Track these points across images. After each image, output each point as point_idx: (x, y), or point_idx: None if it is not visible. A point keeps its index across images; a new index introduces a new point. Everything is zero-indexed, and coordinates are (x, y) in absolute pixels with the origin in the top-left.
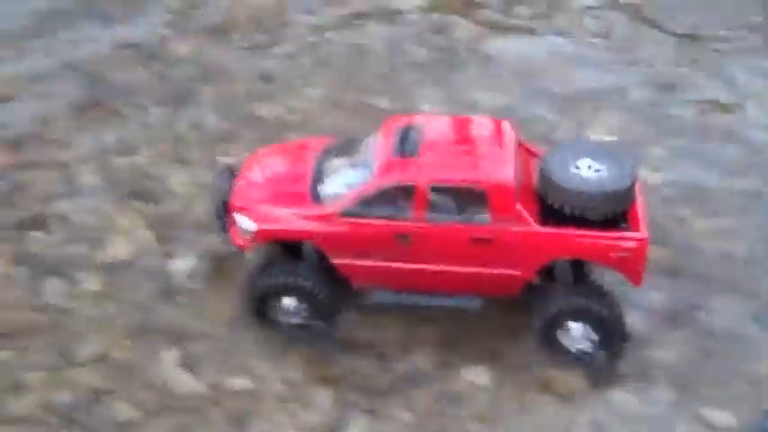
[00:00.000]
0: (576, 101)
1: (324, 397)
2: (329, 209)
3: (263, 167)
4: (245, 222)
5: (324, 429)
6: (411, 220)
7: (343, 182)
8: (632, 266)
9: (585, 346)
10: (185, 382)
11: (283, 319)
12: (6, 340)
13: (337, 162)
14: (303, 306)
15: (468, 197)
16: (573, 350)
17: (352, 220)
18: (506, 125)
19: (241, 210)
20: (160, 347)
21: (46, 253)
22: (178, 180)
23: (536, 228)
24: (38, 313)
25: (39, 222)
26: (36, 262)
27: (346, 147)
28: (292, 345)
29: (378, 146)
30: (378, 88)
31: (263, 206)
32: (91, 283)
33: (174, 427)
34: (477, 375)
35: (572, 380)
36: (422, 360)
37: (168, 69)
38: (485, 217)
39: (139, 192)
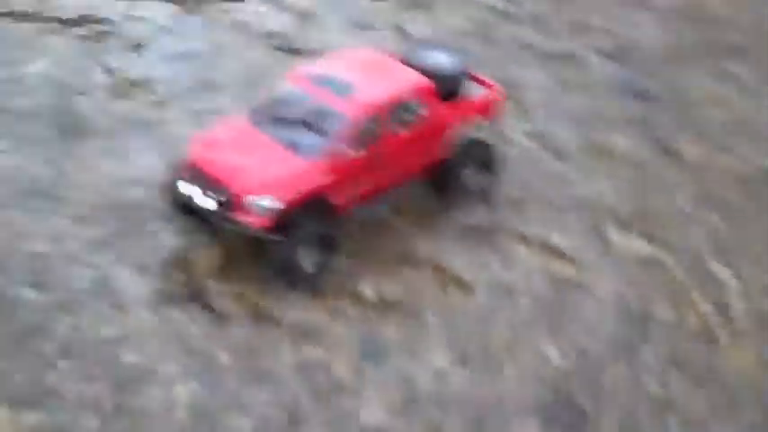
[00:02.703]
0: None
1: None
2: (325, 160)
3: (223, 154)
4: (264, 202)
5: None
6: (382, 140)
7: (308, 135)
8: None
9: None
10: None
11: (303, 270)
12: None
13: (284, 122)
14: (317, 256)
15: (407, 105)
16: (474, 188)
17: (346, 159)
18: (373, 49)
19: (253, 192)
20: None
21: None
22: None
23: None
24: None
25: None
26: None
27: (269, 110)
28: None
29: (314, 94)
30: None
31: (273, 180)
32: None
33: None
34: None
35: None
36: None
37: None
38: (421, 113)
39: None
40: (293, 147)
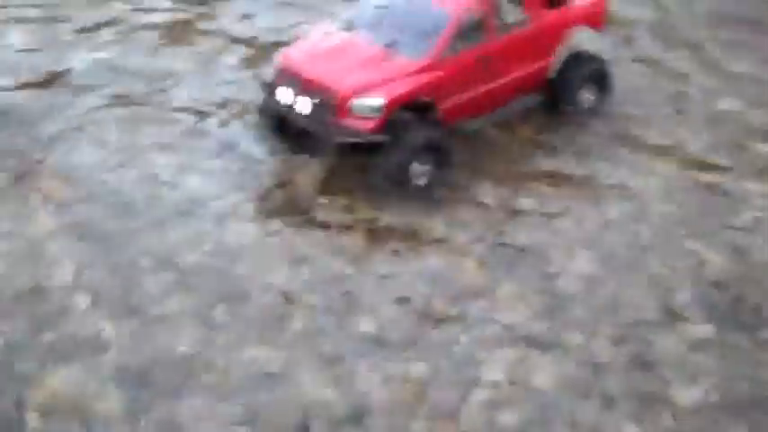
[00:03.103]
0: None
1: None
2: (430, 60)
3: (320, 58)
4: (369, 101)
5: None
6: (488, 42)
7: (409, 35)
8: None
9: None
10: None
11: (415, 182)
12: None
13: (381, 26)
14: (429, 166)
15: (510, 4)
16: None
17: (450, 60)
18: None
19: (357, 92)
20: None
21: None
22: None
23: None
24: None
25: None
26: None
27: (363, 16)
28: None
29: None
30: None
31: (377, 79)
32: None
33: None
34: None
35: None
36: None
37: None
38: (526, 15)
39: None
40: (395, 48)
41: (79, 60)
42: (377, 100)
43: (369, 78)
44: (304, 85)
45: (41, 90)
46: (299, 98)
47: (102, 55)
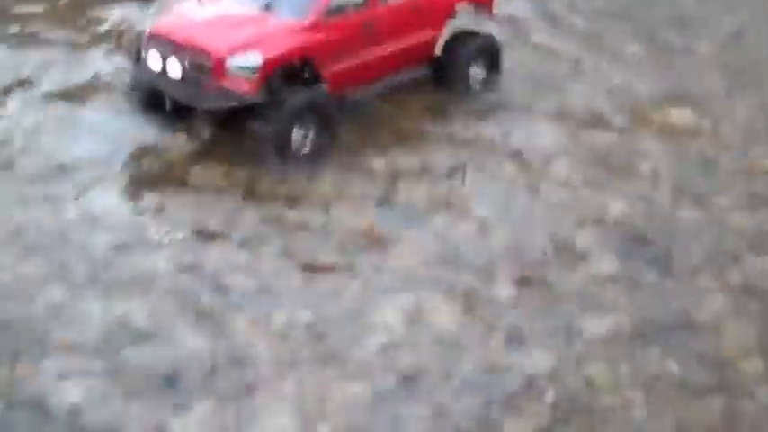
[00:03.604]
0: None
1: None
2: (311, 20)
3: (193, 22)
4: (246, 60)
5: None
6: (373, 6)
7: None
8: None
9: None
10: None
11: (297, 149)
12: None
13: None
14: (312, 131)
15: None
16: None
17: (332, 23)
18: None
19: (233, 50)
20: None
21: None
22: None
23: None
24: None
25: None
26: None
27: None
28: None
29: None
30: None
31: (254, 38)
32: None
33: None
34: None
35: None
36: None
37: None
38: None
39: None
40: (273, 9)
41: None
42: (254, 58)
43: (245, 37)
44: (176, 48)
45: None
46: (171, 62)
47: None
